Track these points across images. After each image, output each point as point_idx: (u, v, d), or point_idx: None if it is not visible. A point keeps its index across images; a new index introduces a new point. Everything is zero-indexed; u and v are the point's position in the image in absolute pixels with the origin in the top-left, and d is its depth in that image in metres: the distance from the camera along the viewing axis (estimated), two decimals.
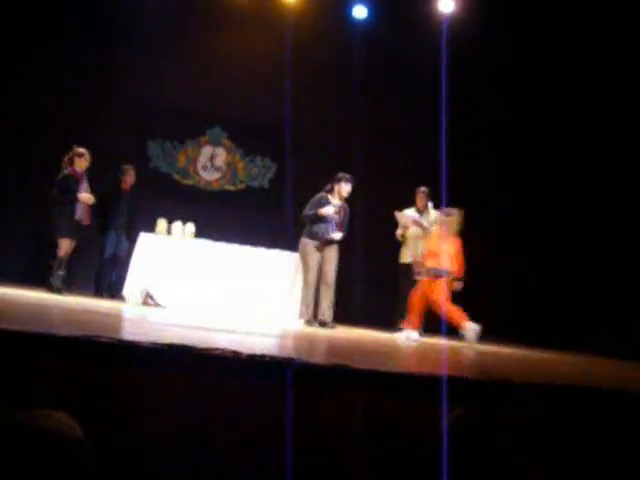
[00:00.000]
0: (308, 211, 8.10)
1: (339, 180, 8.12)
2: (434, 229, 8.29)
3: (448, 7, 9.91)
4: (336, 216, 8.05)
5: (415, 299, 7.66)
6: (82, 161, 8.27)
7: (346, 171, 8.26)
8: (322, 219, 8.02)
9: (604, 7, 9.22)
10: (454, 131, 9.35)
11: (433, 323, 8.32)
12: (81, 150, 8.28)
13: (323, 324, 7.83)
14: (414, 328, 7.62)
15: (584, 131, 9.79)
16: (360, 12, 10.41)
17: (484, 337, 8.40)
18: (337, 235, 8.02)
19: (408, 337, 7.44)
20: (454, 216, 7.66)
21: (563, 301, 9.73)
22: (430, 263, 7.62)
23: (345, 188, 8.09)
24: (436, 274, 7.52)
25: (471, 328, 7.24)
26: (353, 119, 10.01)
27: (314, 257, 8.01)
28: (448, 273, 7.49)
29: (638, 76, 9.26)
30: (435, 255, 7.59)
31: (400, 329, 7.82)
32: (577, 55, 9.83)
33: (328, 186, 8.19)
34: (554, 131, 10.12)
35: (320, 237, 8.02)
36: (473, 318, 7.32)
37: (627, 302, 9.23)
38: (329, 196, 8.14)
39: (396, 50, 10.23)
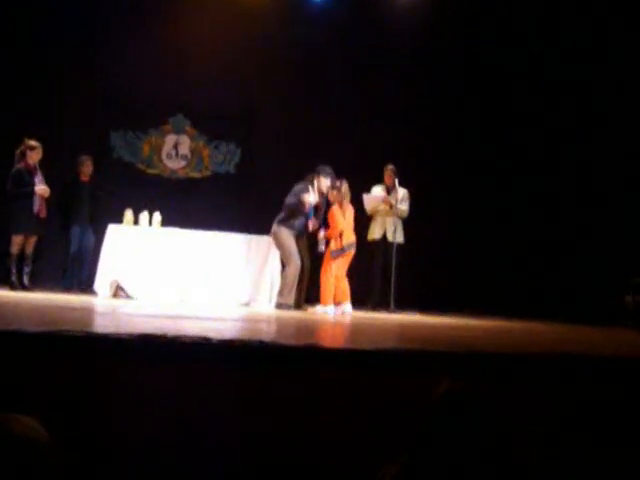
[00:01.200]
0: (291, 199, 8.02)
1: (318, 173, 8.07)
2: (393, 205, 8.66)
3: None
4: (314, 204, 8.04)
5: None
6: (34, 154, 8.20)
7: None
8: (301, 213, 7.99)
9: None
10: (404, 108, 9.51)
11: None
12: (33, 143, 8.20)
13: (298, 307, 7.87)
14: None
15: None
16: None
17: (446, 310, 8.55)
18: (313, 225, 8.04)
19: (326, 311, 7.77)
20: (345, 185, 8.05)
21: (529, 270, 9.88)
22: (352, 238, 8.10)
23: (324, 182, 8.06)
24: (351, 248, 8.03)
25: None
26: (313, 99, 10.02)
27: (293, 244, 7.98)
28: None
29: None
30: (352, 229, 8.11)
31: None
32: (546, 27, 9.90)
33: (309, 176, 8.12)
34: (508, 109, 10.22)
35: (298, 230, 8.01)
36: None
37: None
38: (310, 187, 8.09)
39: (354, 29, 10.20)
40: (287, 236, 7.98)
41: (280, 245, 8.04)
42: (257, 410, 3.09)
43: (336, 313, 7.77)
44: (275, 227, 8.01)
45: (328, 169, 8.08)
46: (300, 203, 7.93)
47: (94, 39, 9.63)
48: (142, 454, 2.89)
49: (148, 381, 3.03)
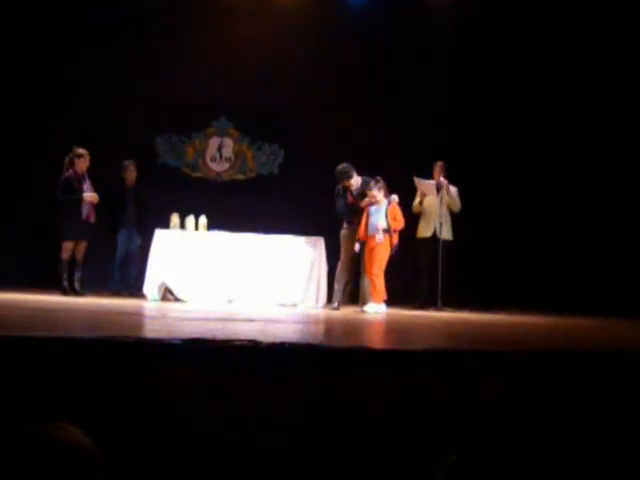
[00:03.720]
0: (337, 205, 8.21)
1: (338, 177, 8.17)
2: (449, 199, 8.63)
3: None
4: (355, 203, 8.09)
5: None
6: (82, 162, 8.33)
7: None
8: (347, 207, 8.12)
9: None
10: (451, 110, 9.44)
11: None
12: (80, 151, 8.32)
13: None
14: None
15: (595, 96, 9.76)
16: None
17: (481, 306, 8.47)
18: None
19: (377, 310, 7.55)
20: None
21: (577, 265, 9.71)
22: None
23: (344, 183, 8.12)
24: None
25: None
26: (355, 99, 9.99)
27: (351, 242, 8.03)
28: None
29: None
30: None
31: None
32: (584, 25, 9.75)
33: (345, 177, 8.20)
34: (558, 109, 10.08)
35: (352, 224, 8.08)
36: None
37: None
38: (342, 187, 8.21)
39: (398, 28, 10.15)
40: (343, 236, 8.17)
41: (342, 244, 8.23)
42: (308, 412, 3.09)
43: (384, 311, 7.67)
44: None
45: (340, 169, 8.11)
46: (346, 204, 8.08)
47: (137, 45, 9.75)
48: (193, 460, 2.91)
49: (198, 385, 3.05)
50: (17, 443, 1.35)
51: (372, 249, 7.78)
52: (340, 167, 8.13)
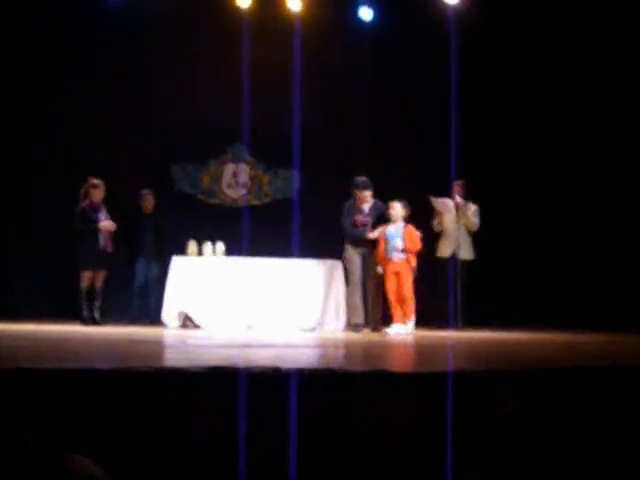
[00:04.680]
0: (343, 221, 8.14)
1: (354, 187, 8.14)
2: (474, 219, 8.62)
3: None
4: (365, 219, 8.03)
5: None
6: (97, 192, 8.41)
7: (370, 176, 8.27)
8: (354, 227, 8.02)
9: None
10: (465, 129, 9.41)
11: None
12: (95, 181, 8.41)
13: (365, 327, 7.84)
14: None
15: (595, 110, 9.73)
16: (366, 14, 10.37)
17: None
18: (371, 234, 7.97)
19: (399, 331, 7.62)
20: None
21: (596, 282, 9.62)
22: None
23: (359, 195, 8.08)
24: None
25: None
26: (369, 119, 10.01)
27: (357, 262, 7.99)
28: None
29: None
30: None
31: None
32: (586, 33, 9.73)
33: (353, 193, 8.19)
34: (571, 122, 10.04)
35: (359, 239, 7.99)
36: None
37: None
38: (355, 202, 8.14)
39: (406, 47, 10.20)
40: (349, 257, 8.05)
41: (346, 266, 8.14)
42: (329, 438, 3.06)
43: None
44: (344, 247, 8.12)
45: (361, 181, 8.09)
46: (351, 221, 8.03)
47: (152, 74, 9.85)
48: None
49: (218, 413, 3.03)
50: (32, 475, 1.35)
51: (398, 273, 7.83)
52: (359, 177, 8.13)
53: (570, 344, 6.30)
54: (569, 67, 9.95)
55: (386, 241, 7.89)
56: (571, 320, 8.66)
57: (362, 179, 8.10)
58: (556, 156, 10.13)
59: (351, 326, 7.95)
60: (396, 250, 7.78)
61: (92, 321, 8.27)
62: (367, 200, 8.07)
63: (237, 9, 10.01)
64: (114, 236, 8.49)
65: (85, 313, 8.31)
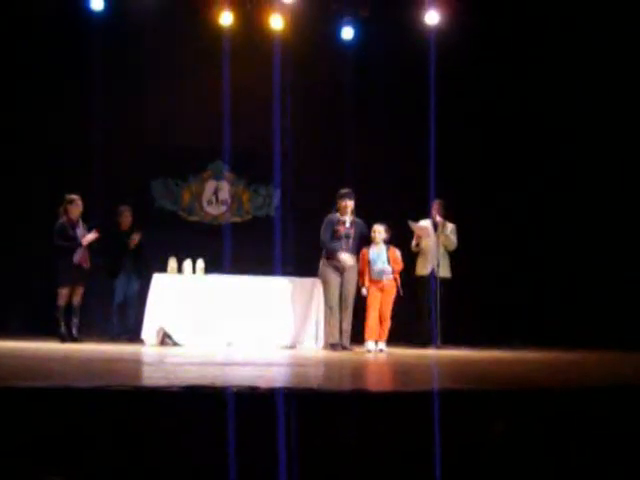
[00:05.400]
0: (323, 234, 8.04)
1: (337, 198, 8.09)
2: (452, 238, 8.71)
3: (433, 19, 9.93)
4: (348, 231, 8.01)
5: None
6: (74, 207, 8.40)
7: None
8: (335, 239, 7.97)
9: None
10: (444, 145, 9.49)
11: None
12: (72, 197, 8.41)
13: (343, 347, 7.81)
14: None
15: (578, 135, 9.87)
16: (347, 33, 10.45)
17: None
18: (348, 260, 7.93)
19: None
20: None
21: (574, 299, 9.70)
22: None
23: (342, 204, 8.04)
24: None
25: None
26: (349, 138, 10.06)
27: (334, 279, 7.96)
28: None
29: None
30: None
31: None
32: (564, 58, 9.88)
33: (336, 205, 8.16)
34: (545, 140, 10.17)
35: (337, 255, 7.94)
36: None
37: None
38: (337, 214, 8.09)
39: (387, 66, 10.28)
40: (326, 273, 7.99)
41: (322, 282, 8.09)
42: (310, 458, 3.04)
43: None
44: (320, 263, 8.05)
45: (345, 192, 8.06)
46: (334, 232, 7.96)
47: (133, 90, 9.84)
48: None
49: (196, 431, 3.00)
50: None
51: (382, 291, 7.92)
52: (343, 188, 8.12)
53: (549, 362, 6.31)
54: (549, 86, 10.08)
55: (369, 263, 7.94)
56: (549, 338, 8.73)
57: (346, 189, 8.10)
58: (535, 174, 10.24)
59: (329, 345, 7.91)
60: (387, 274, 7.90)
61: (70, 338, 8.20)
62: (348, 212, 8.04)
63: (219, 27, 10.06)
64: (93, 253, 8.43)
65: (63, 330, 8.25)
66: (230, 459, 2.97)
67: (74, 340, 8.19)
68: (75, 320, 8.36)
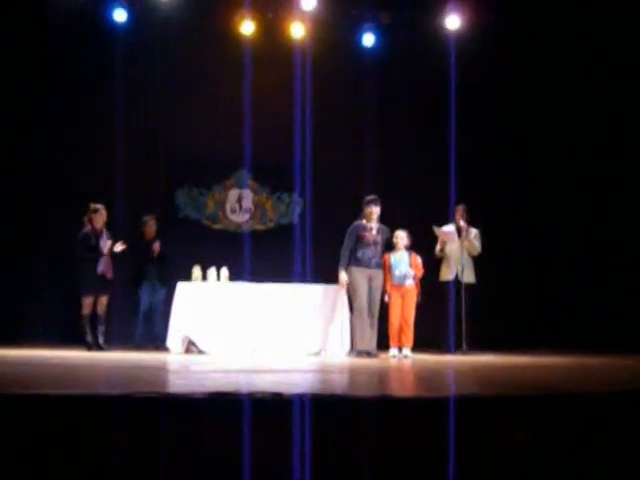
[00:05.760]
0: (347, 240, 8.08)
1: (364, 204, 8.11)
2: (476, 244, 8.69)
3: (454, 24, 9.91)
4: (376, 237, 8.03)
5: None
6: (98, 216, 8.47)
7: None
8: (362, 245, 7.99)
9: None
10: (466, 150, 9.47)
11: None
12: (96, 206, 8.48)
13: (368, 354, 7.81)
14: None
15: (594, 139, 9.81)
16: (368, 40, 10.45)
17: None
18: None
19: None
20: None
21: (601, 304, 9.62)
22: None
23: (368, 210, 8.07)
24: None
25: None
26: (370, 144, 10.07)
27: (363, 285, 7.98)
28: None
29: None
30: None
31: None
32: (583, 61, 9.84)
33: (362, 212, 8.18)
34: (568, 143, 10.13)
35: (366, 262, 7.98)
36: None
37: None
38: (364, 221, 8.12)
39: (408, 72, 10.28)
40: (355, 280, 8.00)
41: (350, 289, 8.09)
42: (332, 463, 3.04)
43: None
44: (348, 270, 8.06)
45: (371, 198, 8.10)
46: (359, 237, 7.99)
47: (156, 100, 9.93)
48: None
49: (222, 438, 3.01)
50: None
51: (404, 296, 8.02)
52: (369, 195, 8.14)
53: (576, 367, 6.26)
54: (569, 92, 10.03)
55: (390, 269, 8.02)
56: (574, 343, 8.65)
57: (372, 196, 8.14)
58: (559, 179, 10.19)
59: (356, 352, 7.92)
60: (408, 278, 8.00)
61: (96, 347, 8.27)
62: (374, 218, 8.07)
63: (240, 36, 10.12)
64: (115, 261, 8.50)
65: (89, 339, 8.32)
66: (249, 465, 2.98)
67: (100, 348, 8.26)
68: (101, 328, 8.43)
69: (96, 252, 8.35)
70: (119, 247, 8.42)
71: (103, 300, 8.45)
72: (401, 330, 8.00)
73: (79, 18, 9.74)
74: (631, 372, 5.82)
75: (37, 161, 9.75)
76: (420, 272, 8.12)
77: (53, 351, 7.54)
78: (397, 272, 8.01)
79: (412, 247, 8.20)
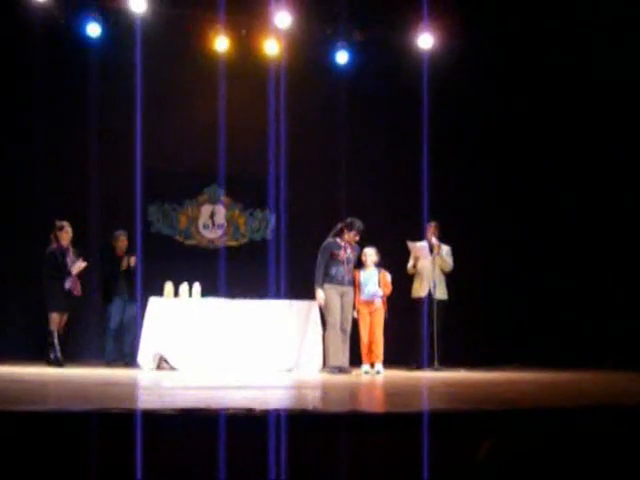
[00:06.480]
0: (319, 259, 8.10)
1: (347, 226, 8.11)
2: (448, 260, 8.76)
3: (427, 43, 10.00)
4: (350, 256, 8.08)
5: None
6: (64, 233, 8.47)
7: (343, 215, 8.34)
8: (336, 262, 8.02)
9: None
10: (438, 168, 9.56)
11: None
12: (61, 223, 8.48)
13: (340, 370, 7.80)
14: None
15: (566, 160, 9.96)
16: (342, 57, 10.51)
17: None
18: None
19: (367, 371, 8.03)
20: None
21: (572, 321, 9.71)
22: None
23: (350, 236, 8.10)
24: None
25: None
26: (343, 161, 10.13)
27: (337, 301, 8.01)
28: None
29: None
30: None
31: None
32: (555, 79, 9.98)
33: (337, 227, 8.17)
34: (539, 159, 10.26)
35: (339, 280, 8.00)
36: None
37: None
38: (337, 239, 8.13)
39: (381, 90, 10.37)
40: (329, 296, 7.99)
41: (324, 305, 8.09)
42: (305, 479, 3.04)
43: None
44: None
45: (357, 223, 8.10)
46: (332, 255, 8.03)
47: (128, 114, 9.88)
48: None
49: (192, 455, 3.00)
50: None
51: (372, 313, 8.14)
52: (357, 220, 8.17)
53: (546, 383, 6.31)
54: (543, 107, 10.17)
55: (359, 285, 8.14)
56: (545, 359, 8.73)
57: (360, 224, 8.13)
58: (530, 194, 10.30)
59: (329, 368, 7.91)
60: (377, 296, 8.11)
61: (57, 363, 8.22)
62: (353, 243, 8.16)
63: (215, 52, 10.13)
64: (88, 277, 8.46)
65: (56, 354, 8.25)
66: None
67: (61, 364, 8.21)
68: (57, 346, 8.38)
69: (62, 270, 8.31)
70: (80, 265, 8.38)
71: (64, 317, 8.44)
72: (370, 346, 8.06)
73: (52, 32, 9.68)
74: (600, 387, 5.88)
75: (5, 177, 9.65)
76: (388, 290, 8.22)
77: (14, 368, 7.45)
78: (366, 290, 8.14)
79: (382, 264, 8.26)
